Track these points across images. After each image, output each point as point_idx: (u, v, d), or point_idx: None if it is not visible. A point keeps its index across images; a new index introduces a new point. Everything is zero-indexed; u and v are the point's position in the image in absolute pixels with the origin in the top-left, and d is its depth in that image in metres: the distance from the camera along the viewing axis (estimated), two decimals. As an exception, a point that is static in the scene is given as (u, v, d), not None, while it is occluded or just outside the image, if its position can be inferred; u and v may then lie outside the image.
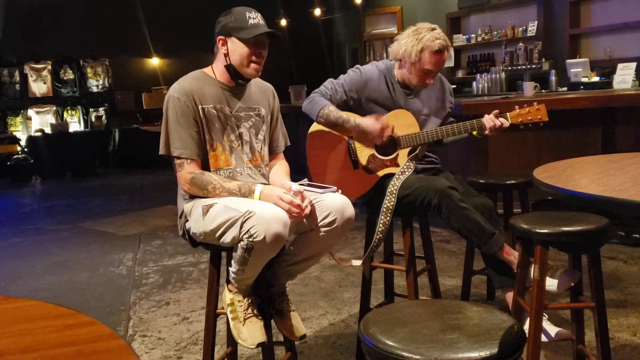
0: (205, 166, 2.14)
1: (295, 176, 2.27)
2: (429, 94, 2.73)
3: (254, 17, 2.11)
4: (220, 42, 2.15)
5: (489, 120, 2.55)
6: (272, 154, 2.36)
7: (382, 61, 2.73)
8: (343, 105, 2.63)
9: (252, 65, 2.12)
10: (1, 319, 1.24)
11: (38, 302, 1.27)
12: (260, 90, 2.30)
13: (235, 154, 2.18)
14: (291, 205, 1.94)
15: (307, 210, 1.98)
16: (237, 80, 2.18)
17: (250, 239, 1.85)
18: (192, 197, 2.14)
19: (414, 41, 2.52)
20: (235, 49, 2.11)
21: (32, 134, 9.82)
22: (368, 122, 2.52)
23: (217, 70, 2.19)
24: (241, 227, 1.86)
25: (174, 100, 2.10)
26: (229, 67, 2.15)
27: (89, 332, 1.12)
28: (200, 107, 2.12)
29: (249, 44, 2.09)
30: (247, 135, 2.21)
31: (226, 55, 2.14)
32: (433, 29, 2.54)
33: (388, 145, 2.60)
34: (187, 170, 2.10)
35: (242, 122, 2.21)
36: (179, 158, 2.10)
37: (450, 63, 8.30)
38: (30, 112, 10.13)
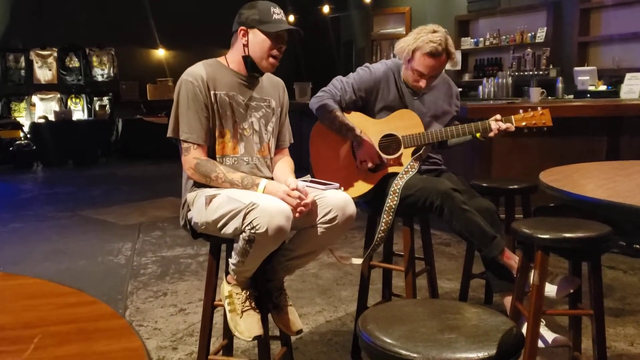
0: (211, 152, 2.14)
1: (297, 173, 2.27)
2: (435, 96, 2.72)
3: (278, 13, 2.15)
4: (242, 32, 2.16)
5: (493, 122, 2.54)
6: (277, 148, 2.36)
7: (392, 60, 2.71)
8: (352, 106, 2.61)
9: (270, 59, 2.15)
10: (3, 295, 1.23)
11: (40, 280, 1.26)
12: (272, 84, 2.32)
13: (245, 142, 2.19)
14: (298, 201, 1.95)
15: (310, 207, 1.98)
16: (251, 72, 2.19)
17: (252, 231, 1.85)
18: (197, 187, 2.14)
19: (411, 40, 2.52)
20: (256, 42, 2.13)
21: (36, 120, 9.81)
22: (369, 145, 2.52)
23: (231, 60, 2.20)
24: (244, 218, 1.86)
25: (186, 84, 2.11)
26: (247, 59, 2.16)
27: (91, 311, 1.11)
28: (212, 92, 2.12)
29: (271, 37, 2.12)
30: (257, 125, 2.22)
31: (245, 46, 2.15)
32: (434, 32, 2.49)
33: (392, 144, 2.60)
34: (192, 156, 2.10)
35: (253, 112, 2.21)
36: (185, 142, 2.10)
37: (457, 66, 8.26)
38: (35, 98, 10.14)
